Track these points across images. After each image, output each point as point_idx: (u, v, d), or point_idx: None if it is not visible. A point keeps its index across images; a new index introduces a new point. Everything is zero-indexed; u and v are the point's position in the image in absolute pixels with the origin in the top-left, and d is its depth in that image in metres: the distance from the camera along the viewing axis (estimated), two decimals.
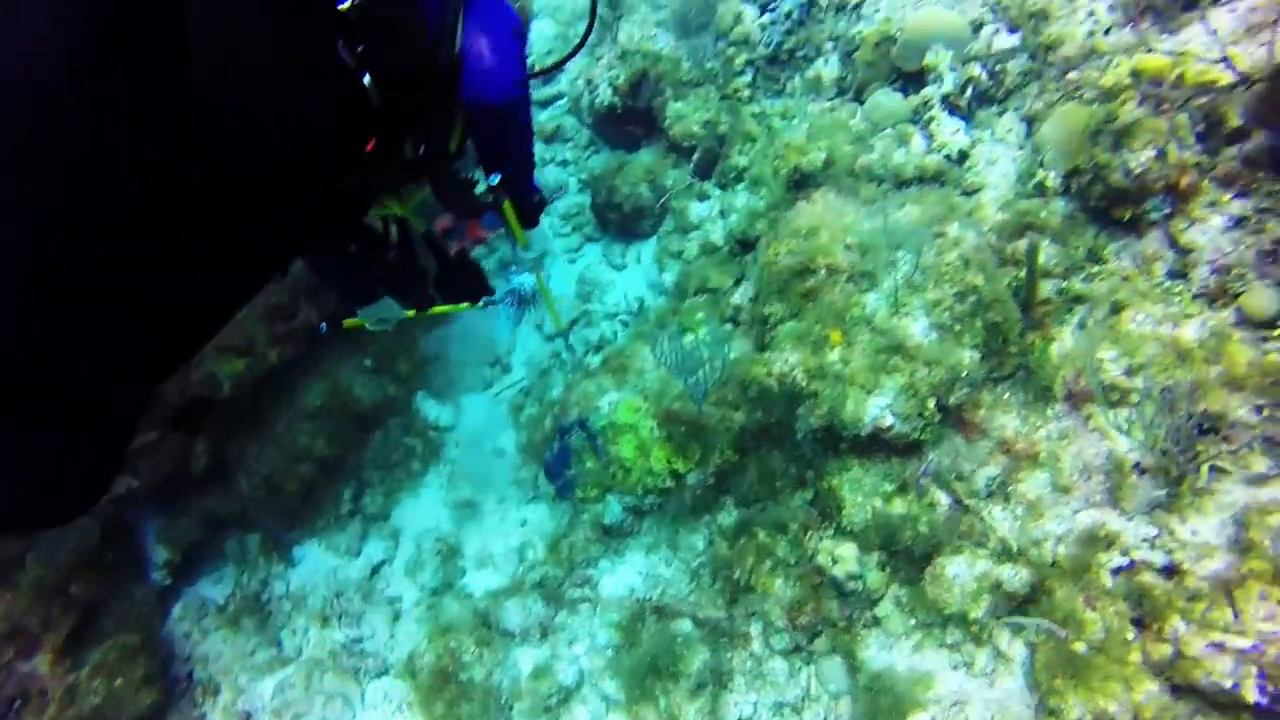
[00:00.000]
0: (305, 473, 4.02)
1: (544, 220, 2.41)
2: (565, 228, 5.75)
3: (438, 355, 4.86)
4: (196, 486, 3.97)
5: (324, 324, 2.73)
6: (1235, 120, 2.99)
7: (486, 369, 4.94)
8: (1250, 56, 2.98)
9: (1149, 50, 3.36)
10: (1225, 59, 2.95)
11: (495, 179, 2.17)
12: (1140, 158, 3.07)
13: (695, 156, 5.16)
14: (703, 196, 5.07)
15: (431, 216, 2.45)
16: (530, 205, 2.41)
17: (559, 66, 2.53)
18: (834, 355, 3.04)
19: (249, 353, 3.68)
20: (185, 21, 1.23)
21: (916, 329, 3.12)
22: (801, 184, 3.86)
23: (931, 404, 2.98)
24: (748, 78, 5.32)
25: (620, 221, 5.28)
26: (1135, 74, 3.27)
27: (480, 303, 2.54)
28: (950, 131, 4.08)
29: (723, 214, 4.86)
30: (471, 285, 2.45)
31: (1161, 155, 3.04)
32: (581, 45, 2.41)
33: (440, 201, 2.22)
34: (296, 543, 4.21)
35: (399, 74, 1.67)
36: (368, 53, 1.57)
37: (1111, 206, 3.24)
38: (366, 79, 1.58)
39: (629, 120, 5.68)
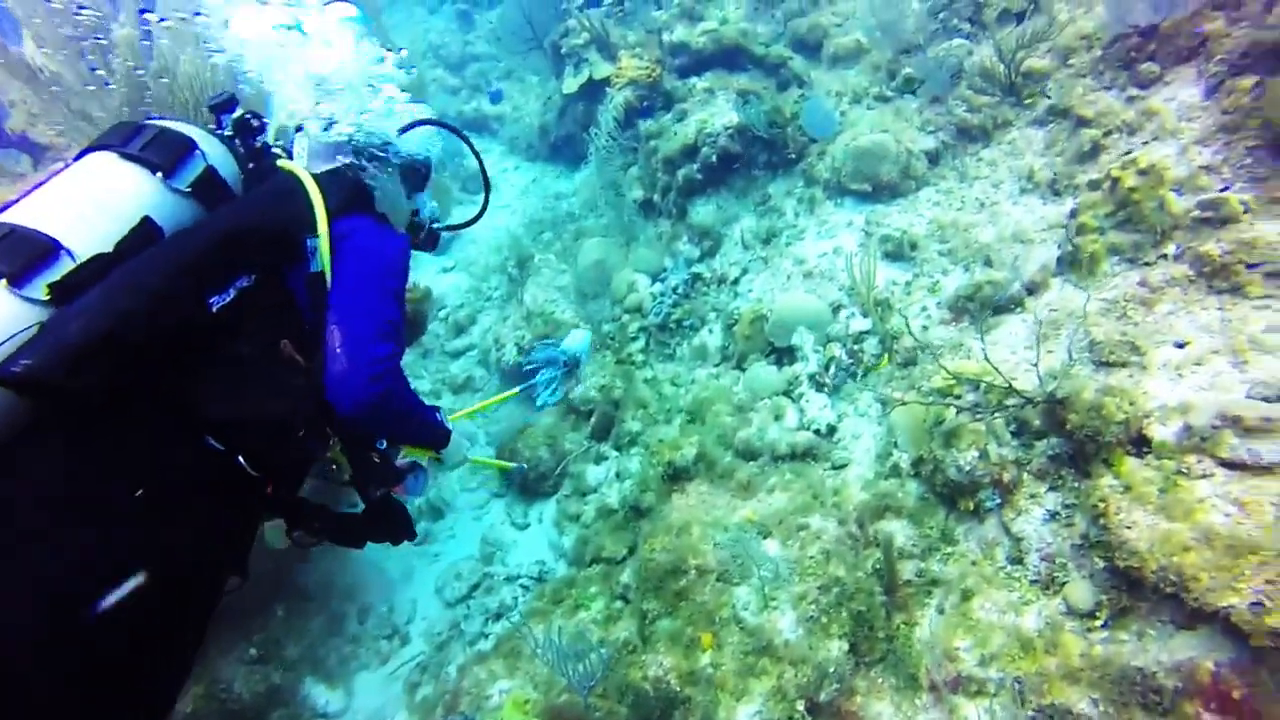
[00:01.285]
0: None
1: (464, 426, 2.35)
2: (472, 483, 5.90)
3: (333, 631, 4.75)
4: None
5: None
6: (1037, 422, 3.42)
7: (384, 642, 4.83)
8: (1027, 379, 3.47)
9: (967, 355, 3.87)
10: (1010, 384, 3.41)
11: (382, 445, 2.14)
12: (967, 456, 3.44)
13: (593, 420, 5.46)
14: (600, 459, 5.31)
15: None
16: (438, 444, 2.25)
17: (462, 227, 2.59)
18: (705, 659, 3.14)
19: None
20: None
21: (784, 625, 3.26)
22: (676, 477, 4.13)
23: (801, 706, 3.07)
24: (641, 343, 5.79)
25: (523, 482, 5.45)
26: (956, 376, 3.74)
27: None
28: (818, 407, 4.48)
29: (619, 476, 5.09)
30: (395, 528, 2.24)
31: (983, 455, 3.42)
32: (480, 215, 2.57)
33: (357, 474, 2.08)
34: None
35: (268, 450, 1.69)
36: (233, 442, 1.62)
37: (953, 495, 3.56)
38: (240, 459, 1.63)
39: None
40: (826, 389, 4.58)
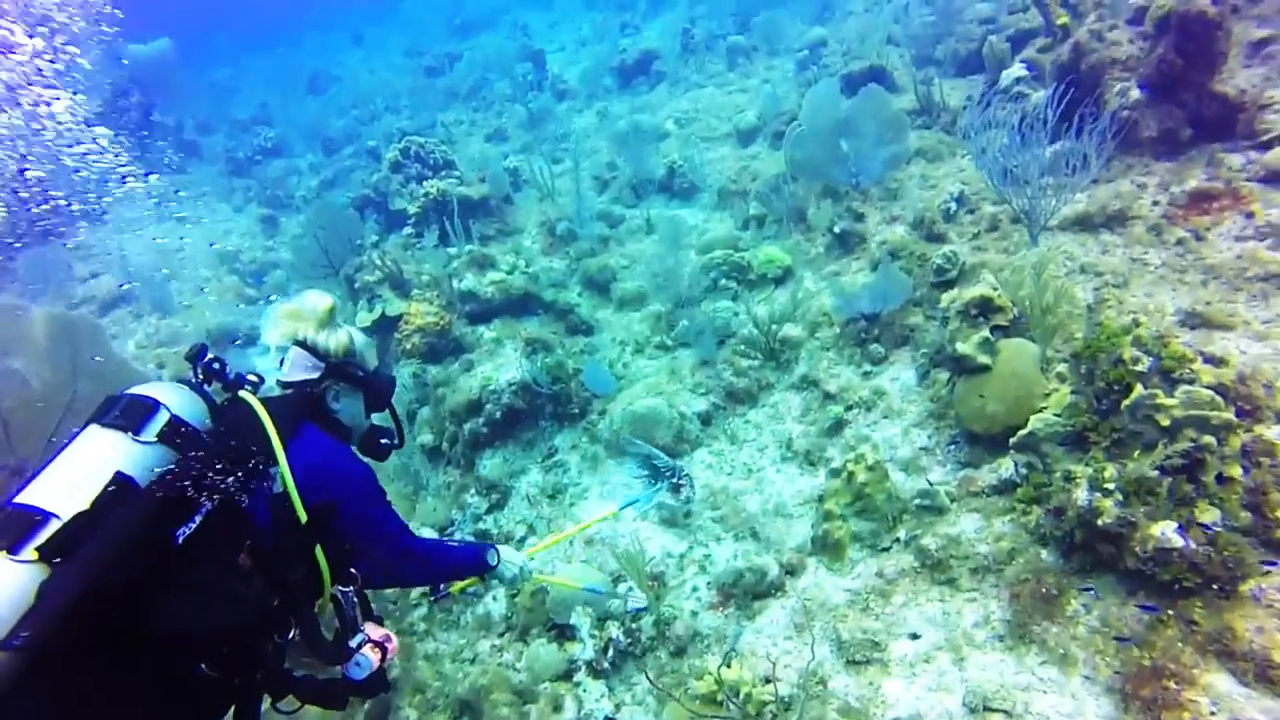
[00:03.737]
0: None
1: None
2: None
3: None
4: None
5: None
6: None
7: None
8: (786, 674, 3.56)
9: (734, 650, 3.94)
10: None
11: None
12: None
13: (366, 706, 4.98)
14: None
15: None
16: (478, 571, 2.83)
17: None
18: None
19: None
20: None
21: None
22: None
23: None
24: (424, 610, 5.47)
25: None
26: (720, 683, 3.77)
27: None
28: (596, 698, 4.35)
29: None
30: (372, 686, 2.37)
31: None
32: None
33: (317, 653, 2.27)
34: None
35: (223, 654, 1.92)
36: (194, 652, 1.86)
37: None
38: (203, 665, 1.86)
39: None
40: (605, 675, 4.47)
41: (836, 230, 6.59)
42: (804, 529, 4.66)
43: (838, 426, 5.16)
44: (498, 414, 5.92)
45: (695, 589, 4.63)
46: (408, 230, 8.71)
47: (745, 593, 4.38)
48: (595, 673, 4.51)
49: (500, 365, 6.27)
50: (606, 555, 5.05)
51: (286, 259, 10.87)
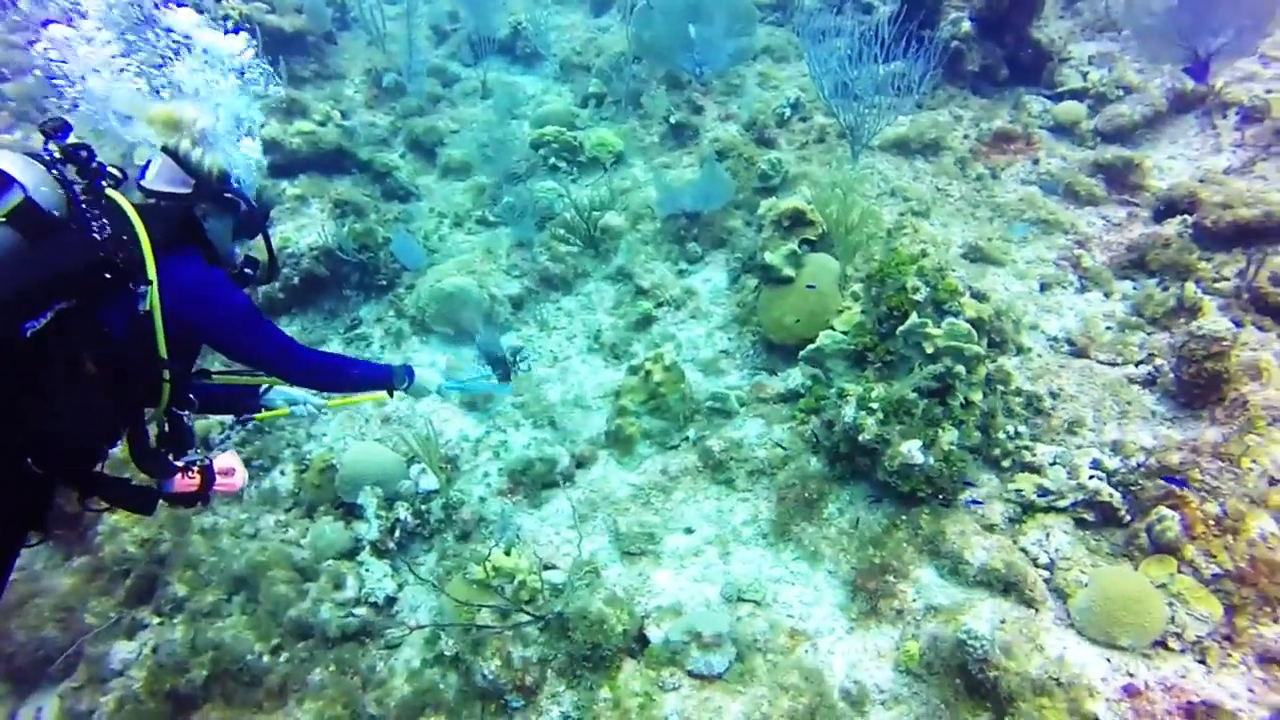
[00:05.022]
0: None
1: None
2: None
3: None
4: None
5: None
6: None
7: None
8: (566, 562, 3.70)
9: (516, 536, 4.02)
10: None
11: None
12: (491, 665, 3.54)
13: (129, 581, 4.69)
14: (134, 632, 4.57)
15: None
16: (376, 386, 2.75)
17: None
18: None
19: None
20: None
21: None
22: (182, 705, 3.69)
23: None
24: None
25: (14, 673, 4.48)
26: (496, 569, 3.85)
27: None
28: (378, 577, 4.33)
29: (155, 651, 4.42)
30: (191, 495, 2.35)
31: (506, 663, 3.55)
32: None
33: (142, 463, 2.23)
34: None
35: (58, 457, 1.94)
36: (25, 450, 1.84)
37: (483, 698, 3.64)
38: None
39: (56, 528, 5.03)
40: (389, 556, 4.45)
41: (672, 120, 6.44)
42: (601, 421, 4.75)
43: (646, 322, 5.21)
44: (295, 279, 5.47)
45: (487, 475, 4.64)
46: None
47: (535, 481, 4.44)
48: (380, 552, 4.47)
49: (302, 226, 5.73)
50: (403, 432, 4.93)
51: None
